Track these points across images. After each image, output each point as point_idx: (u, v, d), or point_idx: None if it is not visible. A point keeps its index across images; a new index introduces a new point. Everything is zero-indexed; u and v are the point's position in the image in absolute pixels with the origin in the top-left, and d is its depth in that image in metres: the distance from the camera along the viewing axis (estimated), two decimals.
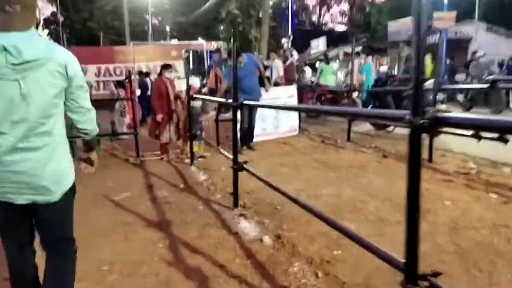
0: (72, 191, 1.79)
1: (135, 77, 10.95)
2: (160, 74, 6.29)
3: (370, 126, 7.97)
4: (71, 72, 1.66)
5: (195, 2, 24.56)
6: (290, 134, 7.63)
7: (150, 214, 3.76)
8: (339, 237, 2.86)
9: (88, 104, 1.81)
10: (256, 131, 6.65)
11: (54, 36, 26.13)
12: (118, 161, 6.30)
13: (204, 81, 12.50)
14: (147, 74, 12.26)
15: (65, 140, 1.76)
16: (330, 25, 39.21)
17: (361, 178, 4.66)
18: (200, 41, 19.57)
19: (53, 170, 1.66)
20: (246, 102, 3.86)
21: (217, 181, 4.80)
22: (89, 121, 1.84)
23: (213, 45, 19.77)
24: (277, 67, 11.02)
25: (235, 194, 3.83)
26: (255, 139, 6.67)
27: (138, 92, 10.03)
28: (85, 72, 15.54)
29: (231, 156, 3.96)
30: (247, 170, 3.58)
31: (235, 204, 3.82)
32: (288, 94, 7.71)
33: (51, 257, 1.84)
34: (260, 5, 25.11)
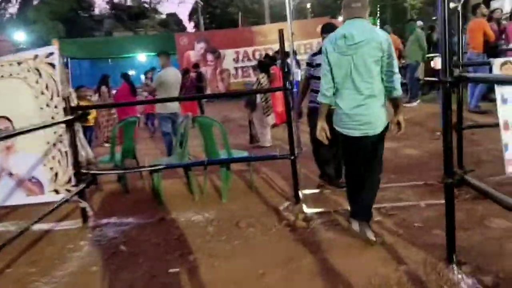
0: (385, 129, 2.62)
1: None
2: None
3: None
4: (384, 47, 2.46)
5: None
6: None
7: None
8: None
9: (396, 69, 2.53)
10: None
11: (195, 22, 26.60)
12: (261, 214, 3.21)
13: None
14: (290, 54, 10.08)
15: (382, 95, 2.57)
16: None
17: None
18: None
19: (374, 112, 2.55)
20: None
21: None
22: (396, 81, 2.54)
23: None
24: None
25: None
26: None
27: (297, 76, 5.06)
28: (222, 57, 14.39)
29: None
30: None
31: None
32: None
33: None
34: None
